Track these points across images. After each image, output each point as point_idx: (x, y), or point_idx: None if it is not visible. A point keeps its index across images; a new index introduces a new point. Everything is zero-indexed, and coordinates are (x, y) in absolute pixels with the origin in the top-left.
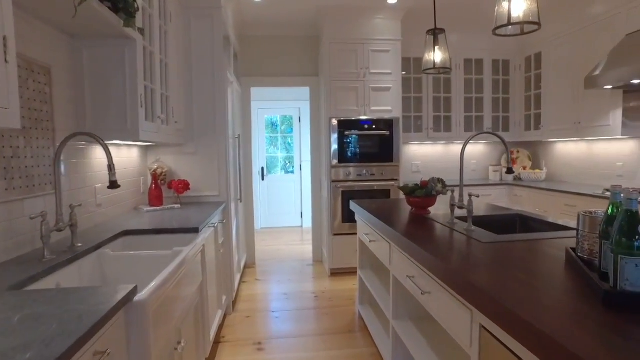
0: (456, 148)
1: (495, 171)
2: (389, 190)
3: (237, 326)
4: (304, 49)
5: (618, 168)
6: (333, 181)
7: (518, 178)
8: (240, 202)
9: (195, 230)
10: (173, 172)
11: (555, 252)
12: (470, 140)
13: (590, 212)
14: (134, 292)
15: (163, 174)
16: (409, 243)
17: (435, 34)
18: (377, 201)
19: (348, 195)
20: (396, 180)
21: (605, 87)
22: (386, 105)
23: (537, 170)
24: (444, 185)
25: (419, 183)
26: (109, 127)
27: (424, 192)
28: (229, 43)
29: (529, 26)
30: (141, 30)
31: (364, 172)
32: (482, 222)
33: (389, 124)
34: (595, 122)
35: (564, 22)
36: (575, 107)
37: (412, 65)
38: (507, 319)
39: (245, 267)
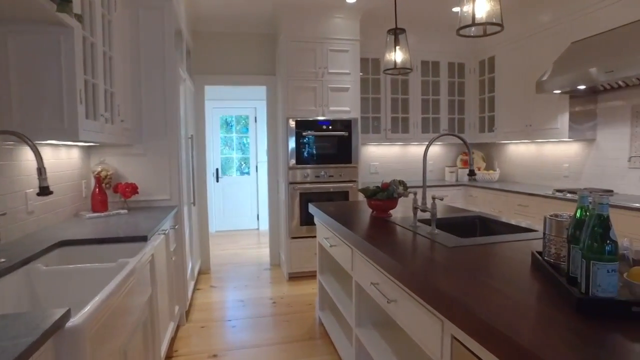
0: (413, 149)
1: (451, 172)
2: (348, 191)
3: (191, 338)
4: (261, 47)
5: (564, 169)
6: (291, 183)
7: (473, 179)
8: (194, 205)
9: (144, 239)
10: (120, 175)
11: (520, 256)
12: (434, 141)
13: (556, 215)
14: (66, 316)
15: (108, 176)
16: (372, 248)
17: (396, 34)
18: (337, 203)
19: (306, 197)
20: (355, 181)
21: (554, 91)
22: (345, 105)
23: (491, 171)
24: (405, 187)
25: (379, 185)
26: (42, 126)
27: (385, 195)
28: (182, 38)
29: (492, 28)
30: (79, 17)
31: (322, 173)
32: (443, 224)
33: (347, 124)
34: (544, 125)
35: (515, 29)
36: (526, 110)
37: (370, 66)
38: (481, 331)
39: (199, 273)
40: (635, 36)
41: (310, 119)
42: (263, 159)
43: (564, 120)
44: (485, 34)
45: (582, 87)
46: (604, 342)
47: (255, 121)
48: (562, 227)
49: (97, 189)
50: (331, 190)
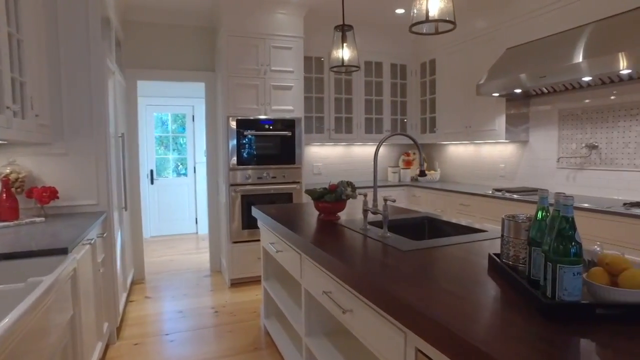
0: (357, 149)
1: (394, 172)
2: (292, 193)
3: (123, 358)
4: (199, 41)
5: (501, 169)
6: (231, 185)
7: (415, 179)
8: (125, 210)
9: (64, 251)
10: (35, 178)
11: (476, 259)
12: (384, 142)
13: (513, 217)
14: None
15: (19, 179)
16: (323, 254)
17: (344, 31)
18: (282, 206)
19: (248, 200)
20: (298, 182)
21: (493, 94)
22: (288, 104)
23: (432, 172)
24: (354, 189)
25: (327, 187)
26: None
27: (333, 197)
28: (110, 27)
29: (444, 25)
30: None
31: (265, 174)
32: (393, 226)
33: (290, 124)
34: (483, 127)
35: (455, 33)
36: (465, 112)
37: (314, 65)
38: (448, 343)
39: (132, 283)
40: (564, 45)
41: (252, 118)
42: (202, 159)
43: (500, 122)
44: (437, 32)
45: (517, 91)
46: (573, 346)
47: (193, 120)
48: (521, 229)
49: (5, 195)
50: (274, 192)
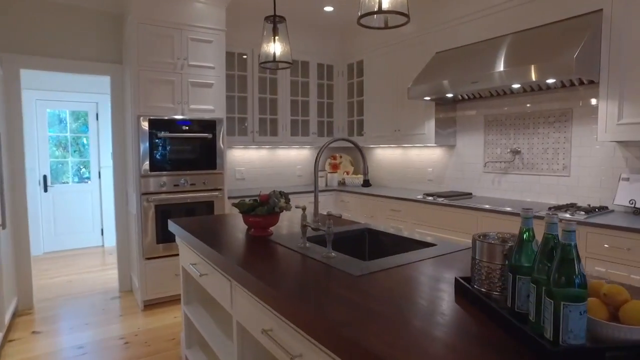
0: (282, 153)
1: (320, 177)
2: (213, 202)
3: None
4: (103, 27)
5: (429, 173)
6: (144, 193)
7: (342, 183)
8: (3, 228)
9: None
10: None
11: (438, 284)
12: (327, 146)
13: (484, 236)
14: None
15: None
16: (259, 283)
17: (275, 22)
18: (203, 219)
19: (163, 210)
20: (220, 189)
21: (424, 98)
22: (208, 103)
23: (360, 175)
24: (288, 200)
25: (257, 198)
26: None
27: (265, 210)
28: None
29: (394, 20)
30: None
31: (182, 181)
32: (334, 238)
33: (211, 125)
34: (412, 131)
35: (383, 35)
36: (395, 115)
37: (237, 62)
38: None
39: (15, 316)
40: (489, 52)
41: (167, 118)
42: (108, 163)
43: (430, 126)
44: (386, 27)
45: (448, 95)
46: None
47: (97, 118)
48: (496, 252)
49: None
50: (193, 200)
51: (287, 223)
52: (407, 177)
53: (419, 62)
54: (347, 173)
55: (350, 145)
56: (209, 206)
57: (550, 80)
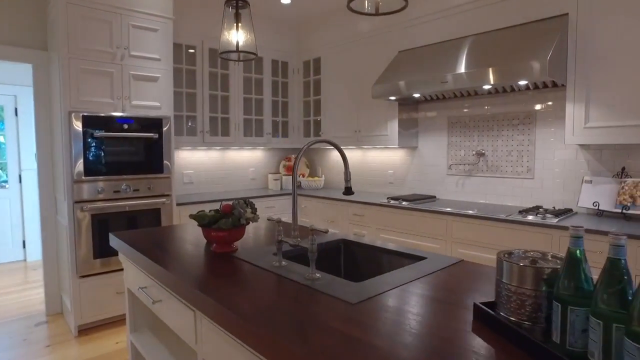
0: (233, 155)
1: (275, 180)
2: (159, 209)
3: None
4: (23, 6)
5: (389, 175)
6: (77, 201)
7: (298, 186)
8: None
9: None
10: None
11: (447, 307)
12: (308, 147)
13: (510, 254)
14: None
15: None
16: (232, 316)
17: (238, 7)
18: (153, 232)
19: (101, 220)
20: (168, 196)
21: (389, 98)
22: (153, 100)
23: (316, 178)
24: (254, 210)
25: (218, 208)
26: None
27: (230, 222)
28: None
29: (386, 7)
30: None
31: (124, 187)
32: (301, 254)
33: (156, 124)
34: (374, 132)
35: (342, 31)
36: (355, 116)
37: (185, 54)
38: None
39: None
40: (451, 53)
41: (105, 115)
42: (31, 165)
43: (393, 127)
44: (377, 13)
45: (415, 95)
46: None
47: (16, 114)
48: (532, 276)
49: None
50: (137, 208)
51: (253, 236)
52: (366, 180)
53: (381, 61)
54: (303, 175)
55: (299, 146)
56: (155, 215)
57: (522, 82)
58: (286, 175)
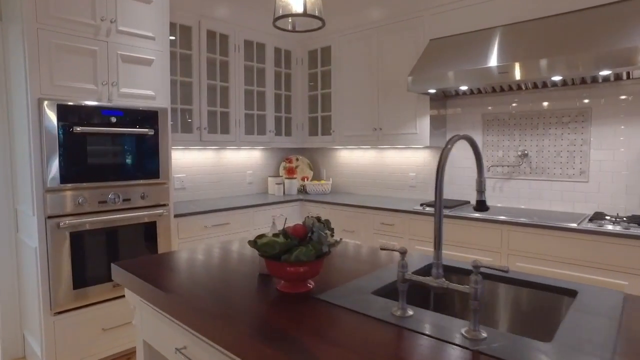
0: (230, 155)
1: (277, 184)
2: (155, 223)
3: None
4: None
5: (410, 179)
6: (51, 216)
7: (302, 191)
8: None
9: None
10: None
11: None
12: (453, 144)
13: None
14: None
15: None
16: None
17: None
18: (173, 257)
19: (83, 240)
20: (165, 206)
21: (429, 90)
22: (146, 87)
23: (323, 182)
24: (332, 231)
25: (283, 230)
26: None
27: (313, 253)
28: None
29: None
30: None
31: (112, 196)
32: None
33: (151, 118)
34: (398, 130)
35: (357, 17)
36: (375, 111)
37: (179, 35)
38: None
39: None
40: (494, 42)
41: (87, 105)
42: None
43: (423, 125)
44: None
45: (462, 88)
46: None
47: None
48: None
49: None
50: (128, 222)
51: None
52: (383, 184)
53: (408, 50)
54: (306, 178)
55: (316, 146)
56: (150, 230)
57: (605, 72)
58: (288, 178)
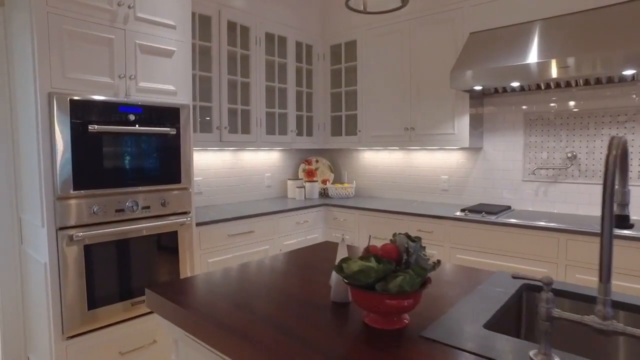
0: (249, 157)
1: (298, 187)
2: (176, 233)
3: None
4: None
5: (442, 182)
6: (63, 227)
7: (324, 194)
8: None
9: None
10: None
11: None
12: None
13: None
14: None
15: None
16: None
17: None
18: (218, 280)
19: (97, 254)
20: (187, 214)
21: (474, 87)
22: (167, 82)
23: (346, 185)
24: (424, 249)
25: (367, 251)
26: None
27: (416, 281)
28: None
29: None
30: None
31: (130, 204)
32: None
33: (173, 115)
34: (434, 130)
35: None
36: (407, 110)
37: (198, 25)
38: None
39: None
40: (547, 35)
41: (103, 101)
42: None
43: (462, 124)
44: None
45: (515, 84)
46: None
47: None
48: None
49: None
50: (148, 233)
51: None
52: (409, 187)
53: (445, 45)
54: (327, 181)
55: (339, 147)
56: (171, 241)
57: None
58: (309, 181)
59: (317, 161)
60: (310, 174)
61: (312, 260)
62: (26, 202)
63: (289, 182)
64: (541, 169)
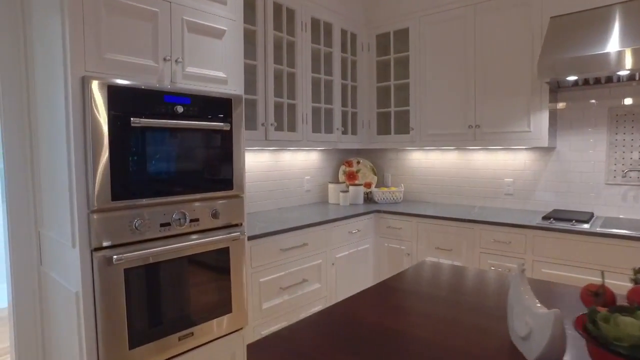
0: (289, 157)
1: (343, 192)
2: (228, 249)
3: None
4: None
5: (506, 185)
6: (97, 248)
7: (369, 199)
8: None
9: None
10: None
11: None
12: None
13: None
14: None
15: None
16: None
17: None
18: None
19: (141, 278)
20: (239, 226)
21: (569, 78)
22: (217, 67)
23: (393, 189)
24: None
25: (602, 289)
26: None
27: None
28: None
29: None
30: None
31: (177, 216)
32: None
33: (224, 107)
34: (505, 127)
35: None
36: (471, 106)
37: (243, 6)
38: None
39: None
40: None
41: (148, 88)
42: None
43: (541, 121)
44: None
45: (622, 73)
46: None
47: None
48: None
49: None
50: (197, 251)
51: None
52: (466, 190)
53: (520, 32)
54: (370, 185)
55: (377, 146)
56: (222, 259)
57: None
58: (352, 185)
59: (358, 162)
60: (351, 177)
61: (458, 297)
62: (47, 215)
63: (330, 185)
64: (632, 170)
